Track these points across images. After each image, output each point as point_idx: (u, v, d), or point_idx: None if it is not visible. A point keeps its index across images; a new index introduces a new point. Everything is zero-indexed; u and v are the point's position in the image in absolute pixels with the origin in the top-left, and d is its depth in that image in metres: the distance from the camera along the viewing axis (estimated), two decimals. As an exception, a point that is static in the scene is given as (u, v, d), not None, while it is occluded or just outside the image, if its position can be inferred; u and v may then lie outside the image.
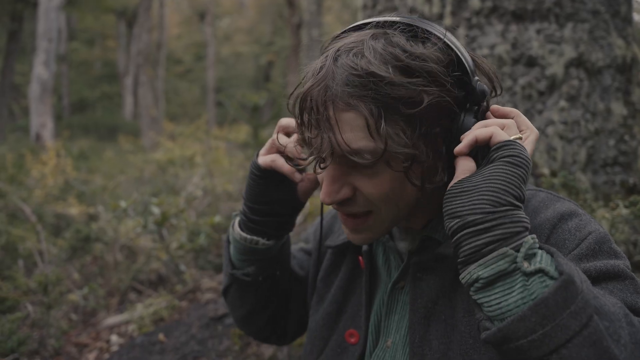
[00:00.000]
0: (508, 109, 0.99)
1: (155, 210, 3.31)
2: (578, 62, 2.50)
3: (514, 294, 0.77)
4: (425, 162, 0.92)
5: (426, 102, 0.86)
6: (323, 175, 0.99)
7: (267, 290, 1.31)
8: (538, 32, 2.50)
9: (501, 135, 0.88)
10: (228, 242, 1.31)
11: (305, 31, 16.10)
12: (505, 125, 0.92)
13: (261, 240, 1.21)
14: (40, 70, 13.95)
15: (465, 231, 0.82)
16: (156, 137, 12.24)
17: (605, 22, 2.57)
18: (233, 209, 4.70)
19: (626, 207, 1.82)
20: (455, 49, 0.92)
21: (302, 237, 1.57)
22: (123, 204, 3.48)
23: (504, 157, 0.85)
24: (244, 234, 1.22)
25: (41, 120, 13.89)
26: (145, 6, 18.83)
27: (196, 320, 2.71)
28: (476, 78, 0.93)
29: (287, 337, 1.45)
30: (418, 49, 0.89)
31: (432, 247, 1.07)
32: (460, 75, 0.92)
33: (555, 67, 2.49)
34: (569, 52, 2.49)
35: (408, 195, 0.98)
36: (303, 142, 0.97)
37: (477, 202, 0.82)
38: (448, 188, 0.88)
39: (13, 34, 22.16)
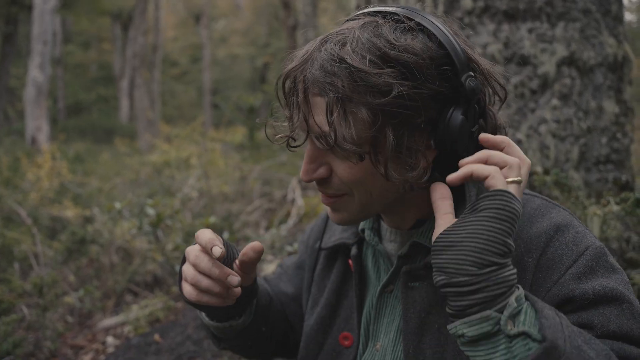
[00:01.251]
0: (499, 139, 0.93)
1: (150, 211, 3.31)
2: (570, 61, 2.51)
3: (497, 354, 0.79)
4: (391, 154, 0.91)
5: (394, 93, 0.86)
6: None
7: (262, 337, 1.30)
8: (530, 31, 2.52)
9: (497, 181, 0.85)
10: (202, 322, 1.25)
11: (301, 33, 16.12)
12: (508, 165, 0.88)
13: (233, 322, 1.18)
14: (36, 73, 13.93)
15: (451, 289, 0.83)
16: (152, 139, 12.22)
17: (597, 21, 2.58)
18: (229, 211, 4.71)
19: (617, 203, 1.83)
20: (445, 43, 0.90)
21: (300, 238, 1.56)
22: (117, 205, 3.48)
23: (491, 209, 0.83)
24: (213, 323, 1.18)
25: (37, 123, 13.86)
26: (140, 8, 18.81)
27: (192, 320, 2.71)
28: (467, 74, 0.90)
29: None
30: (403, 40, 0.89)
31: (422, 253, 1.06)
32: (450, 70, 0.90)
33: (547, 66, 2.50)
34: (561, 51, 2.51)
35: (382, 187, 0.98)
36: (286, 118, 1.00)
37: (461, 262, 0.82)
38: (434, 240, 0.87)
39: (8, 37, 22.11)
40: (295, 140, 1.01)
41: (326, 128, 0.90)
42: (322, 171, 0.99)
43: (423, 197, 1.01)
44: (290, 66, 0.95)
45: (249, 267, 1.06)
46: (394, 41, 0.88)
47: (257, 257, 1.03)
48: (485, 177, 0.86)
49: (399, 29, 0.91)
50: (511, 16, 2.53)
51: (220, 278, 0.99)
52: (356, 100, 0.87)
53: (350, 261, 1.20)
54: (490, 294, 0.80)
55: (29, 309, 2.87)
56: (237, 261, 1.06)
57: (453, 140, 0.91)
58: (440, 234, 0.86)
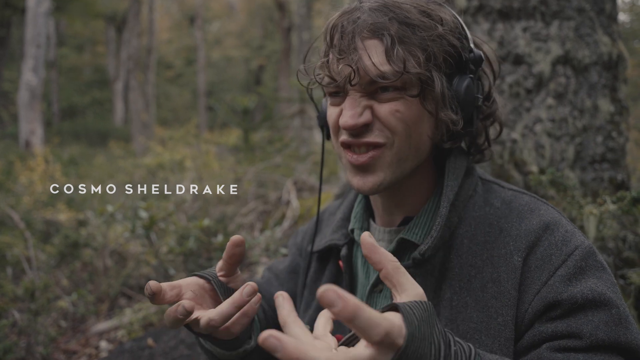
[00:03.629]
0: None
1: (143, 214, 3.28)
2: (565, 60, 2.51)
3: None
4: (439, 93, 0.98)
5: (440, 30, 0.97)
6: (339, 110, 1.03)
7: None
8: (524, 30, 2.51)
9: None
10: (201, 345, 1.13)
11: (296, 34, 16.13)
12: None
13: (247, 346, 1.10)
14: (29, 76, 13.86)
15: None
16: (147, 142, 12.19)
17: (591, 20, 2.58)
18: (223, 213, 4.68)
19: (613, 202, 1.82)
20: (459, 18, 1.05)
21: (290, 240, 1.54)
22: (110, 208, 3.45)
23: None
24: (227, 353, 1.08)
25: (30, 126, 13.79)
26: (134, 11, 18.77)
27: (186, 324, 2.69)
28: (473, 45, 1.04)
29: None
30: (436, 6, 1.02)
31: (409, 249, 1.07)
32: (464, 38, 1.03)
33: (542, 65, 2.49)
34: (556, 50, 2.50)
35: (421, 134, 1.01)
36: (329, 68, 1.01)
37: None
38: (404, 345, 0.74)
39: (1, 40, 22.02)
40: (340, 87, 1.02)
41: (385, 67, 0.95)
42: (367, 115, 0.99)
43: (418, 189, 1.07)
44: (336, 15, 1.01)
45: (236, 262, 1.00)
46: (429, 3, 1.02)
47: (242, 250, 0.98)
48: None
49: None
50: (505, 15, 2.52)
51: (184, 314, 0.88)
52: (410, 38, 0.96)
53: (340, 262, 1.19)
54: None
55: (20, 314, 2.83)
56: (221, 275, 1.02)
57: (459, 98, 1.01)
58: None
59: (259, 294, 0.94)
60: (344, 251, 1.18)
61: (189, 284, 0.98)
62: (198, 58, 26.87)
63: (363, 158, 1.01)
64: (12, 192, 6.08)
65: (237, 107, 6.99)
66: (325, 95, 1.14)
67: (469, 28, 2.53)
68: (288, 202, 4.65)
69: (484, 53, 1.08)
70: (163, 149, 8.01)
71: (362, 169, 1.02)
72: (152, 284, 0.88)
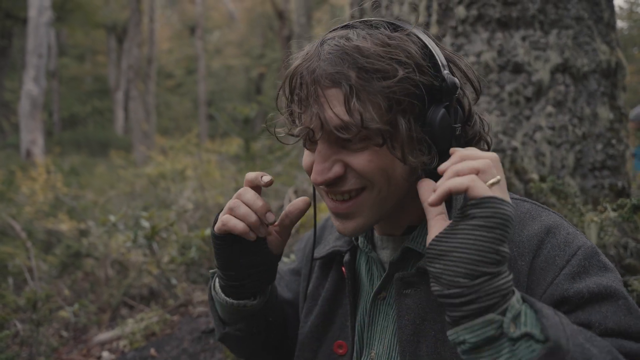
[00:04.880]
0: (453, 158, 0.89)
1: (145, 224, 3.28)
2: (564, 68, 2.52)
3: (501, 359, 0.78)
4: (406, 138, 0.94)
5: (401, 74, 0.90)
6: (313, 157, 1.00)
7: (267, 328, 1.28)
8: (523, 39, 2.52)
9: (478, 190, 0.82)
10: (212, 299, 1.25)
11: (295, 43, 16.16)
12: (480, 170, 0.84)
13: (248, 302, 1.16)
14: (30, 86, 13.91)
15: (446, 300, 0.82)
16: (148, 151, 12.21)
17: (589, 28, 2.59)
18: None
19: (614, 210, 1.82)
20: (426, 42, 0.97)
21: (294, 248, 1.55)
22: (112, 218, 3.46)
23: (481, 217, 0.80)
24: (229, 300, 1.16)
25: (31, 136, 13.83)
26: (135, 21, 18.86)
27: (187, 334, 2.69)
28: (446, 71, 0.96)
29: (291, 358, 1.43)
30: (396, 36, 0.96)
31: (414, 258, 1.07)
32: (433, 67, 0.96)
33: (542, 73, 2.50)
34: (555, 58, 2.51)
35: (399, 174, 0.99)
36: (292, 119, 1.00)
37: (453, 273, 0.81)
38: (428, 245, 0.86)
39: (3, 50, 22.13)
40: (313, 136, 0.98)
41: (346, 117, 0.91)
42: (337, 169, 0.98)
43: (417, 204, 1.01)
44: (295, 63, 0.96)
45: (291, 221, 1.12)
46: (390, 35, 0.95)
47: (305, 209, 1.11)
48: (465, 190, 0.83)
49: (390, 30, 0.98)
50: (504, 24, 2.53)
51: (260, 210, 1.05)
52: (370, 86, 0.90)
53: (343, 268, 1.19)
54: (482, 305, 0.79)
55: (22, 324, 2.83)
56: (276, 223, 1.13)
57: (433, 133, 0.95)
58: (433, 240, 0.86)
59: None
60: (347, 257, 1.19)
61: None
62: (198, 67, 26.95)
63: (342, 207, 1.01)
64: (14, 202, 6.08)
65: (238, 116, 7.00)
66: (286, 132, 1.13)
67: (468, 38, 2.55)
68: (289, 211, 4.65)
69: (462, 72, 1.03)
70: (164, 158, 8.02)
71: (342, 216, 1.03)
72: (268, 177, 1.06)
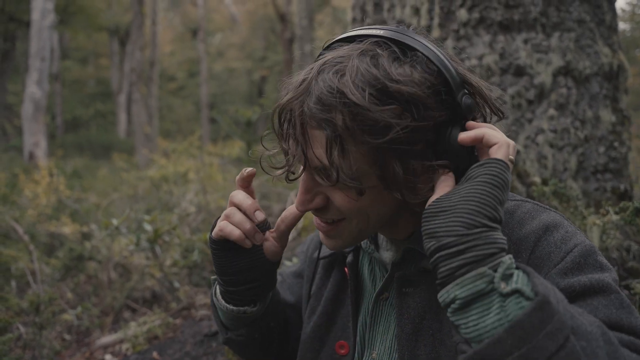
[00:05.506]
0: (480, 124, 0.95)
1: (148, 227, 3.29)
2: (566, 71, 2.52)
3: (490, 315, 0.77)
4: (402, 180, 0.91)
5: (392, 134, 0.86)
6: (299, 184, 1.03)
7: (269, 332, 1.30)
8: (525, 41, 2.53)
9: (503, 150, 0.89)
10: (214, 305, 1.27)
11: (298, 46, 16.21)
12: (507, 144, 0.92)
13: (248, 309, 1.18)
14: (33, 89, 13.95)
15: (440, 253, 0.82)
16: (150, 154, 12.23)
17: (591, 31, 2.59)
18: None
19: (616, 213, 1.82)
20: (439, 65, 0.91)
21: (296, 251, 1.55)
22: (115, 221, 3.46)
23: (487, 174, 0.85)
24: (229, 307, 1.18)
25: (34, 139, 13.86)
26: (137, 24, 18.90)
27: (190, 337, 2.69)
28: (462, 92, 0.92)
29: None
30: (402, 71, 0.89)
31: (415, 259, 1.07)
32: (446, 92, 0.91)
33: (544, 76, 2.50)
34: (557, 61, 2.51)
35: (380, 211, 0.99)
36: (282, 150, 1.01)
37: (451, 224, 0.82)
38: (427, 205, 0.89)
39: (6, 54, 22.20)
40: (293, 174, 1.00)
41: (326, 162, 0.90)
42: (318, 201, 1.00)
43: (415, 217, 1.02)
44: (286, 98, 0.93)
45: (287, 226, 1.12)
46: (393, 73, 0.88)
47: (300, 215, 1.11)
48: (494, 144, 0.89)
49: (397, 59, 0.91)
50: (506, 27, 2.54)
51: (249, 209, 1.09)
52: (356, 138, 0.87)
53: (346, 269, 1.20)
54: (480, 253, 0.79)
55: (25, 328, 2.84)
56: (271, 231, 1.15)
57: (455, 156, 0.92)
58: (433, 201, 0.87)
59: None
60: (349, 258, 1.19)
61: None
62: (201, 70, 27.00)
63: (324, 228, 1.05)
64: (17, 204, 6.10)
65: (240, 118, 7.01)
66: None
67: (469, 41, 2.55)
68: (291, 214, 4.65)
69: (479, 93, 0.98)
70: (167, 161, 8.03)
71: (324, 233, 1.07)
72: (250, 169, 1.11)
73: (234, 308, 1.18)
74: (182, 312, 3.14)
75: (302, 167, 0.96)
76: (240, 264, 1.12)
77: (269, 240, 1.13)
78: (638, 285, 1.81)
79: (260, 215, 1.09)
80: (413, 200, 0.94)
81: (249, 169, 1.10)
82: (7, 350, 2.35)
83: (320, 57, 0.99)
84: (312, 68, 0.94)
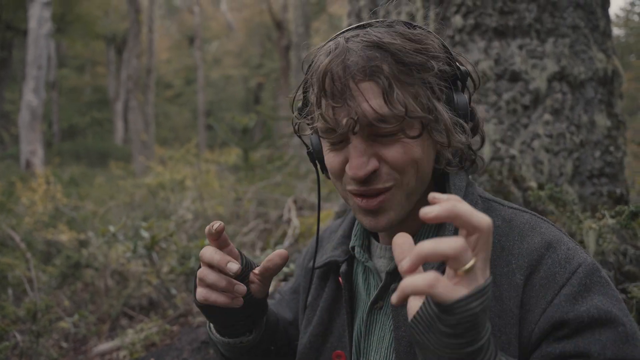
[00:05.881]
0: (445, 197, 0.76)
1: (145, 234, 3.29)
2: (560, 76, 2.54)
3: None
4: (449, 122, 0.99)
5: (437, 68, 0.95)
6: (340, 156, 1.02)
7: (270, 356, 1.30)
8: (520, 47, 2.54)
9: (440, 296, 0.70)
10: (211, 339, 1.25)
11: (294, 53, 16.27)
12: (452, 257, 0.70)
13: (244, 338, 1.18)
14: (30, 97, 13.95)
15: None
16: (147, 161, 12.22)
17: (585, 37, 2.61)
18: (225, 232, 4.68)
19: (612, 217, 1.83)
20: (442, 40, 1.03)
21: (296, 261, 1.55)
22: (112, 228, 3.46)
23: (447, 326, 0.72)
24: (225, 339, 1.18)
25: (31, 147, 13.85)
26: (134, 32, 18.94)
27: (187, 344, 2.68)
28: (458, 62, 1.04)
29: None
30: (415, 30, 1.00)
31: None
32: (449, 57, 1.02)
33: (539, 82, 2.52)
34: (551, 67, 2.53)
35: (426, 166, 1.02)
36: (324, 116, 0.98)
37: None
38: (409, 320, 0.79)
39: (2, 62, 22.20)
40: (353, 127, 0.97)
41: (384, 110, 0.93)
42: (373, 162, 0.98)
43: (423, 204, 1.01)
44: (325, 61, 0.95)
45: (271, 274, 1.09)
46: (413, 32, 0.99)
47: (282, 264, 1.08)
48: (427, 294, 0.71)
49: (408, 27, 1.01)
50: (501, 33, 2.55)
51: (220, 264, 1.02)
52: (402, 80, 0.94)
53: (340, 279, 1.20)
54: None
55: (22, 336, 2.82)
56: (255, 270, 1.11)
57: (460, 116, 1.02)
58: (411, 323, 0.78)
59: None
60: (343, 267, 1.19)
61: (236, 255, 1.08)
62: (197, 77, 27.05)
63: (373, 203, 1.01)
64: (13, 212, 6.08)
65: (237, 126, 7.02)
66: (313, 132, 1.12)
67: (465, 47, 2.57)
68: (289, 221, 4.66)
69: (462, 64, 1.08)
70: (163, 168, 8.03)
71: (374, 212, 1.03)
72: (217, 224, 1.02)
73: (230, 340, 1.18)
74: (179, 319, 3.13)
75: (351, 130, 0.95)
76: (232, 312, 1.10)
77: (254, 282, 1.11)
78: (635, 288, 1.81)
79: (233, 267, 1.02)
80: (454, 142, 1.00)
81: (217, 224, 1.02)
82: (4, 358, 2.34)
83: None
84: (337, 39, 1.00)
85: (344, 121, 0.95)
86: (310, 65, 1.06)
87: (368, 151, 0.98)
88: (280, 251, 1.07)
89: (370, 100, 0.93)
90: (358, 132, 0.96)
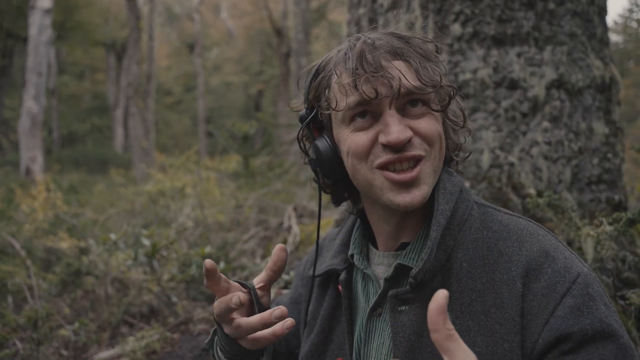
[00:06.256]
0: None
1: (146, 242, 3.29)
2: (559, 84, 2.55)
3: None
4: (459, 106, 1.16)
5: (442, 67, 1.11)
6: (367, 135, 1.05)
7: None
8: (518, 55, 2.56)
9: None
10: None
11: (294, 60, 16.32)
12: None
13: None
14: (30, 104, 13.98)
15: None
16: (147, 168, 12.23)
17: (583, 44, 2.63)
18: (225, 240, 4.69)
19: (610, 224, 1.84)
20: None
21: (295, 271, 1.56)
22: (113, 236, 3.47)
23: None
24: None
25: (31, 154, 13.86)
26: (134, 38, 18.99)
27: (188, 352, 2.68)
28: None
29: None
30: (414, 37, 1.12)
31: (406, 273, 1.08)
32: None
33: (537, 89, 2.54)
34: (550, 74, 2.55)
35: (444, 146, 1.11)
36: (359, 90, 1.02)
37: None
38: None
39: (3, 69, 22.26)
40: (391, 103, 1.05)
41: (417, 83, 1.03)
42: (409, 131, 1.03)
43: (421, 207, 1.09)
44: (358, 47, 1.05)
45: (280, 271, 1.09)
46: (413, 36, 1.12)
47: (286, 255, 1.08)
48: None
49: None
50: (500, 41, 2.57)
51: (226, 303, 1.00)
52: (430, 62, 1.07)
53: (339, 286, 1.21)
54: None
55: (22, 343, 2.83)
56: (259, 282, 1.10)
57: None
58: None
59: (292, 320, 0.99)
60: (343, 275, 1.20)
61: (235, 287, 1.06)
62: (197, 84, 27.11)
63: (412, 173, 1.04)
64: (13, 220, 6.09)
65: (237, 133, 7.04)
66: (317, 135, 1.16)
67: (464, 55, 2.59)
68: (289, 228, 4.66)
69: None
70: (164, 176, 8.04)
71: (409, 184, 1.04)
72: (209, 262, 0.99)
73: None
74: (180, 327, 3.14)
75: (396, 93, 1.01)
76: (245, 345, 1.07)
77: (237, 301, 1.04)
78: (633, 295, 1.82)
79: (236, 300, 0.98)
80: (466, 127, 1.17)
81: (208, 265, 0.99)
82: (5, 366, 2.34)
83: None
84: (356, 36, 1.12)
85: (384, 90, 1.01)
86: (319, 67, 1.13)
87: (403, 121, 1.03)
88: (278, 246, 1.07)
89: (405, 73, 1.02)
90: (393, 104, 1.02)
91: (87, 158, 24.45)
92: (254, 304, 1.07)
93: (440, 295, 0.68)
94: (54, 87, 26.57)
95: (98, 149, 27.59)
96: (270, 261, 1.08)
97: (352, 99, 1.03)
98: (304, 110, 1.17)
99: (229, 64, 34.89)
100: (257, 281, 1.10)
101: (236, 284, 1.07)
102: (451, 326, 0.69)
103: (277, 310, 0.98)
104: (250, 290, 1.08)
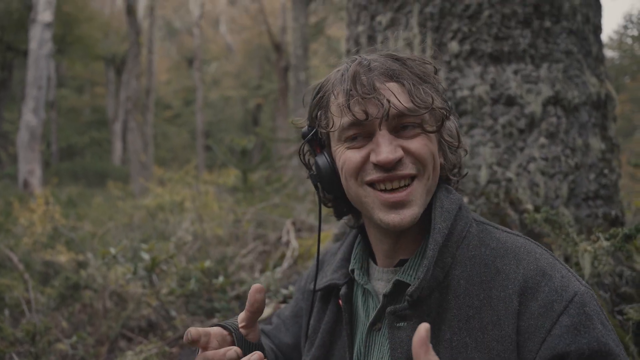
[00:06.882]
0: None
1: (145, 256, 3.30)
2: (555, 100, 2.59)
3: None
4: (455, 126, 1.18)
5: (436, 80, 1.14)
6: (360, 153, 1.09)
7: None
8: (515, 72, 2.60)
9: None
10: None
11: (293, 75, 16.39)
12: None
13: None
14: (29, 117, 14.01)
15: None
16: (145, 182, 12.24)
17: (579, 62, 2.67)
18: (223, 254, 4.69)
19: (607, 239, 1.86)
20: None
21: (296, 285, 1.57)
22: (113, 250, 3.47)
23: None
24: None
25: (29, 167, 13.85)
26: (134, 53, 19.10)
27: (187, 366, 2.67)
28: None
29: None
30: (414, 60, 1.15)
31: (404, 289, 1.09)
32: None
33: (534, 106, 2.57)
34: (546, 91, 2.58)
35: (438, 168, 1.12)
36: (354, 113, 1.06)
37: None
38: None
39: (3, 82, 22.33)
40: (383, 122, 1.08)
41: (410, 105, 1.05)
42: (400, 151, 1.06)
43: (420, 224, 1.13)
44: (352, 69, 1.08)
45: (259, 311, 1.08)
46: (411, 58, 1.15)
47: (263, 296, 1.07)
48: None
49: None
50: (496, 58, 2.61)
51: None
52: (422, 82, 1.09)
53: (340, 300, 1.22)
54: None
55: (20, 357, 2.82)
56: (241, 323, 1.11)
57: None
58: None
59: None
60: (343, 290, 1.22)
61: (215, 333, 1.06)
62: (196, 98, 27.20)
63: (402, 194, 1.07)
64: (11, 233, 6.08)
65: (236, 147, 7.06)
66: (318, 151, 1.20)
67: (461, 72, 2.63)
68: (287, 242, 4.67)
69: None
70: (162, 189, 8.05)
71: (399, 205, 1.07)
72: (193, 331, 1.00)
73: None
74: (178, 341, 3.13)
75: (385, 115, 1.04)
76: None
77: (247, 333, 1.12)
78: (631, 310, 1.83)
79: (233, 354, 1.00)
80: (462, 145, 1.19)
81: (191, 334, 1.01)
82: (2, 380, 2.33)
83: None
84: (352, 58, 1.15)
85: (375, 111, 1.04)
86: (321, 86, 1.17)
87: (394, 142, 1.06)
88: (254, 286, 1.06)
89: (398, 95, 1.05)
90: (384, 124, 1.05)
91: (85, 171, 24.45)
92: (236, 345, 1.08)
93: (422, 329, 0.74)
94: (54, 100, 26.64)
95: (97, 163, 27.60)
96: (247, 303, 1.08)
97: (346, 119, 1.07)
98: (306, 127, 1.20)
99: (227, 78, 35.04)
100: (240, 320, 1.11)
101: (216, 329, 1.08)
102: (434, 357, 0.75)
103: (255, 355, 0.97)
104: (232, 332, 1.10)
